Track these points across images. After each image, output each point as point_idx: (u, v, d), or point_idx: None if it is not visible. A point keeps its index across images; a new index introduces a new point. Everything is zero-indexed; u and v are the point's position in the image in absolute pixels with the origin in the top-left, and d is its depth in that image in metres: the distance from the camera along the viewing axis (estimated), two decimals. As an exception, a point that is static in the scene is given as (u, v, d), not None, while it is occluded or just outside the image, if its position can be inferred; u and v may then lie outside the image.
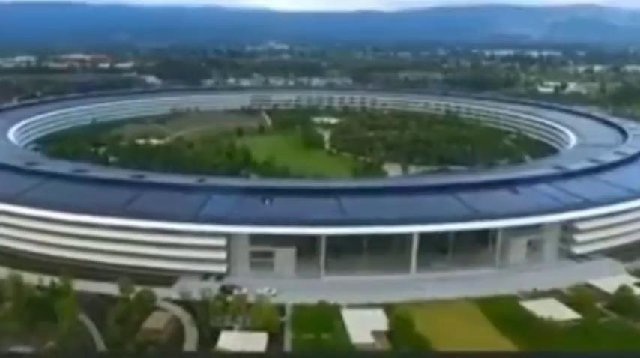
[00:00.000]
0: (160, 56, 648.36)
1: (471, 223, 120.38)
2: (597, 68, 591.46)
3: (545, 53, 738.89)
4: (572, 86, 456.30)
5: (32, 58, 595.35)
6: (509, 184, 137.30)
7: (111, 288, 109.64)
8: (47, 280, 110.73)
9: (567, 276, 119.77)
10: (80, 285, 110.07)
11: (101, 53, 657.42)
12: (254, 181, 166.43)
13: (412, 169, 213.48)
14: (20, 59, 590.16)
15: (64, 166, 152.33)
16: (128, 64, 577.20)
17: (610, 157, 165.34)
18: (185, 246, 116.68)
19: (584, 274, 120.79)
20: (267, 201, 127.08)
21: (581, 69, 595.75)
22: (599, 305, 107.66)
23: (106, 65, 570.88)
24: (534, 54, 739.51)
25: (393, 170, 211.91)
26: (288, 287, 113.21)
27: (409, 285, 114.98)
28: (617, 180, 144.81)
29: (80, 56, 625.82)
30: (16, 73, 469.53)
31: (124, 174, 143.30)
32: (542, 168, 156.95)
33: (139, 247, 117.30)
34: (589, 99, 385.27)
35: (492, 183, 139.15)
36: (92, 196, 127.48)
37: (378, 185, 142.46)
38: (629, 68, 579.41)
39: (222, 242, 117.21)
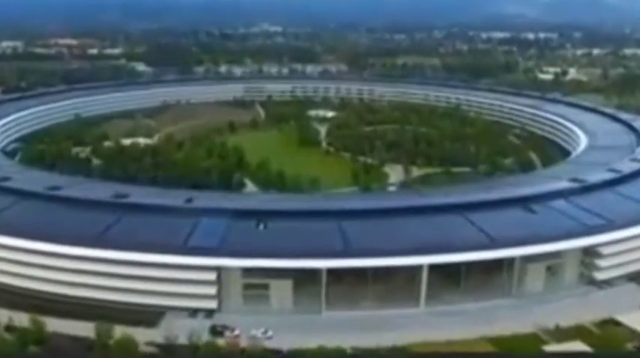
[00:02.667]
0: (149, 40, 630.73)
1: (487, 252, 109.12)
2: (596, 51, 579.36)
3: (541, 35, 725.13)
4: (572, 72, 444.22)
5: (19, 44, 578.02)
6: (525, 202, 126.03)
7: (87, 329, 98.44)
8: (17, 317, 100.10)
9: (591, 308, 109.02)
10: (52, 324, 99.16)
11: (90, 36, 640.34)
12: (247, 200, 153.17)
13: (414, 171, 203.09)
14: (7, 44, 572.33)
15: (37, 181, 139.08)
16: (117, 50, 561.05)
17: (629, 166, 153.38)
18: (171, 281, 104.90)
19: (608, 305, 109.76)
20: (261, 226, 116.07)
21: (579, 52, 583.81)
22: (629, 345, 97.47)
23: (95, 51, 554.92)
24: (530, 36, 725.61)
25: (394, 172, 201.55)
26: (286, 325, 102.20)
27: (418, 322, 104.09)
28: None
29: (68, 41, 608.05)
30: (1, 61, 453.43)
31: (103, 193, 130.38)
32: (557, 180, 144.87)
33: (119, 281, 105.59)
34: (591, 87, 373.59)
35: (506, 202, 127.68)
36: (67, 221, 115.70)
37: (382, 206, 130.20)
38: (629, 51, 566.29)
39: (212, 276, 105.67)
